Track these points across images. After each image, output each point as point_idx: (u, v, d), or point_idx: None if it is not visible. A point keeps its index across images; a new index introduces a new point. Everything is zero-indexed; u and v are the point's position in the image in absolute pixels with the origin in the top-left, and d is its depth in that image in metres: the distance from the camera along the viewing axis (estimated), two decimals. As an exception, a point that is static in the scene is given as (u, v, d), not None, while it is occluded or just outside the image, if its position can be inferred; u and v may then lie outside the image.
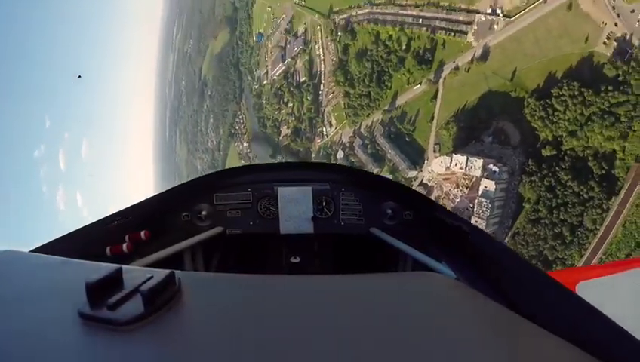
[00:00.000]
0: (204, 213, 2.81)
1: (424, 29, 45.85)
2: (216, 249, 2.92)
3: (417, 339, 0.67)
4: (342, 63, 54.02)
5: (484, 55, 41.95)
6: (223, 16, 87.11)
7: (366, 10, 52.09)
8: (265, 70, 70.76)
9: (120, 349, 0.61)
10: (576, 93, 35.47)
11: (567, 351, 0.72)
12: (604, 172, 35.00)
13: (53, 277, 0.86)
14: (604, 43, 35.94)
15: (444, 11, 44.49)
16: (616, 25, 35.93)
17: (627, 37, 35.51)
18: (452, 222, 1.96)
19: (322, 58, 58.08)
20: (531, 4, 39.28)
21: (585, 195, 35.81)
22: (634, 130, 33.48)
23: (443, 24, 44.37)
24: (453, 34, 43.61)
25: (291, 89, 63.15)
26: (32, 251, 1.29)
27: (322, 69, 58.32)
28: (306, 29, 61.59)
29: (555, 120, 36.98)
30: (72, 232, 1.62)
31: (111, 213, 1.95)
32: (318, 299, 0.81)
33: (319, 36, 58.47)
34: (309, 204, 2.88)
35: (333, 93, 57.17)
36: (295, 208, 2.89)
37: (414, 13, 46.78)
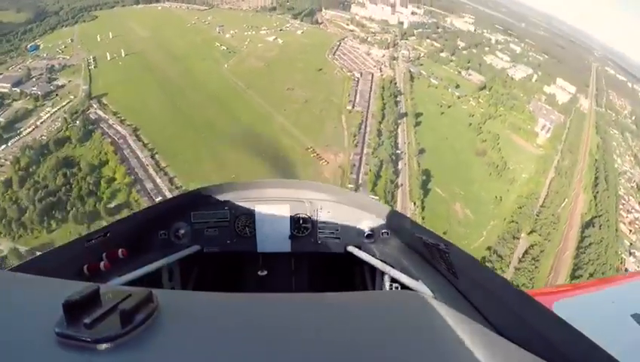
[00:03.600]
0: (181, 231, 2.82)
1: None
2: (194, 267, 3.01)
3: (393, 359, 0.66)
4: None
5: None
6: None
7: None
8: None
9: None
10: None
11: None
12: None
13: (30, 295, 0.85)
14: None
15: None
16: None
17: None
18: (429, 240, 1.96)
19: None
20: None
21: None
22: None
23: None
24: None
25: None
26: (10, 269, 1.31)
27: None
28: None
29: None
30: (49, 251, 1.65)
31: (88, 232, 1.96)
32: (295, 317, 0.81)
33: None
34: (286, 223, 2.92)
35: None
36: (272, 227, 2.92)
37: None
